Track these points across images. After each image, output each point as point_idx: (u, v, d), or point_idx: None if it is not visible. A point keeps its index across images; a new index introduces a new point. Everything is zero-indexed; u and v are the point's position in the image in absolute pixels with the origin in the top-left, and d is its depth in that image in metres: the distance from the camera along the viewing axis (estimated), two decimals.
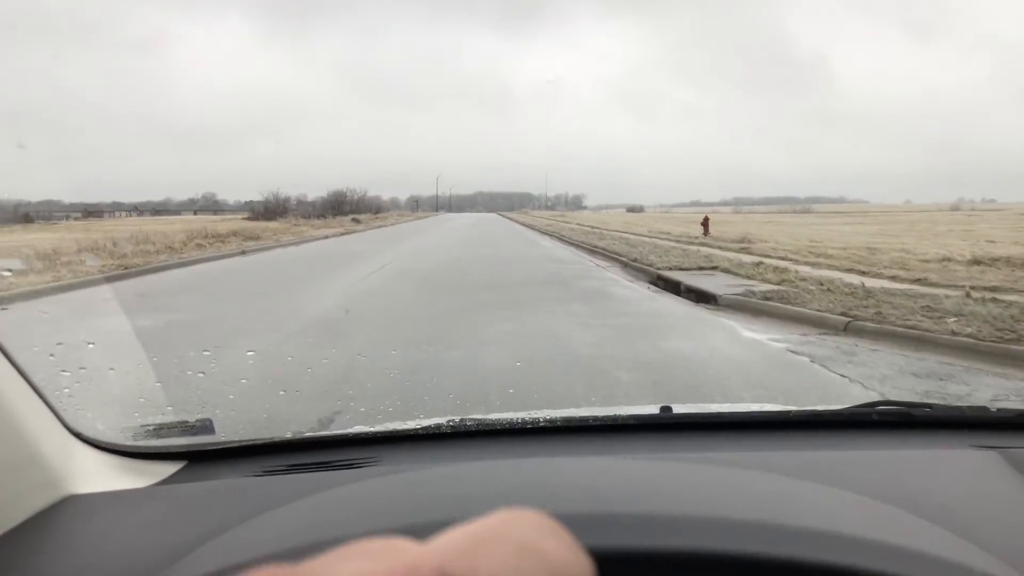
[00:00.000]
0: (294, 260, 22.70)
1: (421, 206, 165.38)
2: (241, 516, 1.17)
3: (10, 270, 14.57)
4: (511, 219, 78.69)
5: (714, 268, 15.45)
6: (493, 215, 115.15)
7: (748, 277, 14.00)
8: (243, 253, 24.84)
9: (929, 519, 1.09)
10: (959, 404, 2.22)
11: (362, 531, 0.85)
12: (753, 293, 11.41)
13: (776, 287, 12.20)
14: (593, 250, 23.15)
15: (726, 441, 1.68)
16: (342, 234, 38.37)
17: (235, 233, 30.95)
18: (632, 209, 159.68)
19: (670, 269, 15.35)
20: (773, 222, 55.04)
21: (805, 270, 15.11)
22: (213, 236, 29.38)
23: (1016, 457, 1.44)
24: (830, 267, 16.10)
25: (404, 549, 0.32)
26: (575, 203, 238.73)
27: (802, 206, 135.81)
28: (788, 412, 1.80)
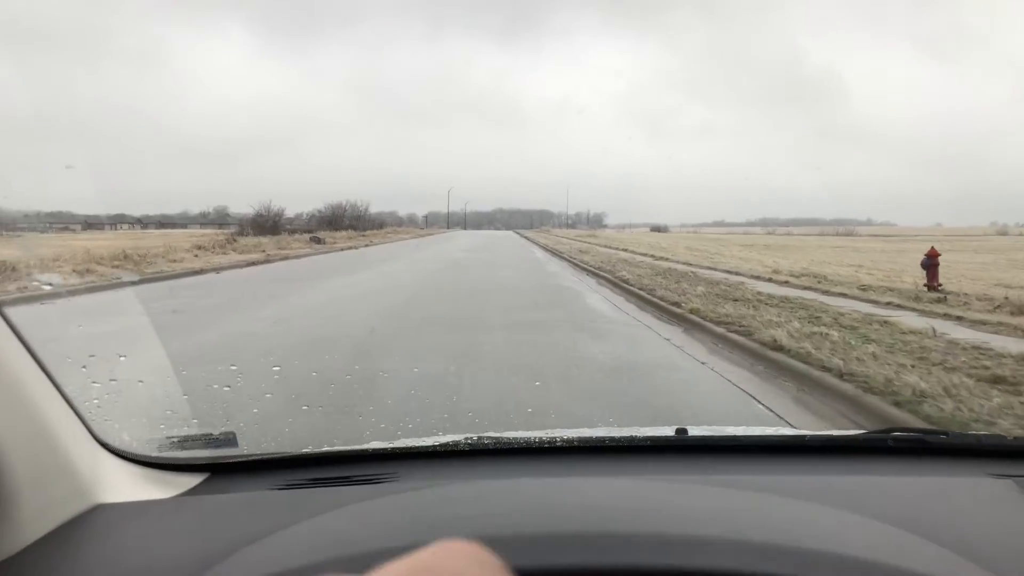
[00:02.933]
0: None
1: (439, 222, 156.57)
2: (264, 529, 1.18)
3: (51, 284, 14.12)
4: (529, 239, 68.67)
5: None
6: (509, 233, 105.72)
7: None
8: None
9: (946, 547, 1.06)
10: (976, 433, 2.09)
11: (384, 547, 0.97)
12: None
13: None
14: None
15: (741, 464, 1.65)
16: (246, 264, 26.71)
17: (126, 257, 21.49)
18: (657, 229, 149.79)
19: None
20: (855, 249, 45.32)
21: None
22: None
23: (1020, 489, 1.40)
24: None
25: None
26: (596, 221, 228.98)
27: (845, 228, 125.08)
28: (803, 436, 1.78)
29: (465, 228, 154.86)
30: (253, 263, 25.18)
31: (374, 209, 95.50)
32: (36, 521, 1.19)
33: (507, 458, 1.71)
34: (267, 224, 53.04)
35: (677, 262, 25.87)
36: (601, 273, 20.64)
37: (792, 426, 5.14)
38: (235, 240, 38.38)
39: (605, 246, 43.37)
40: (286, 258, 29.14)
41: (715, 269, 22.45)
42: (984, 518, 1.30)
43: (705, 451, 1.75)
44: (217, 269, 21.96)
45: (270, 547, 1.11)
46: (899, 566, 0.92)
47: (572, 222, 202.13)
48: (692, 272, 20.47)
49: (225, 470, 1.61)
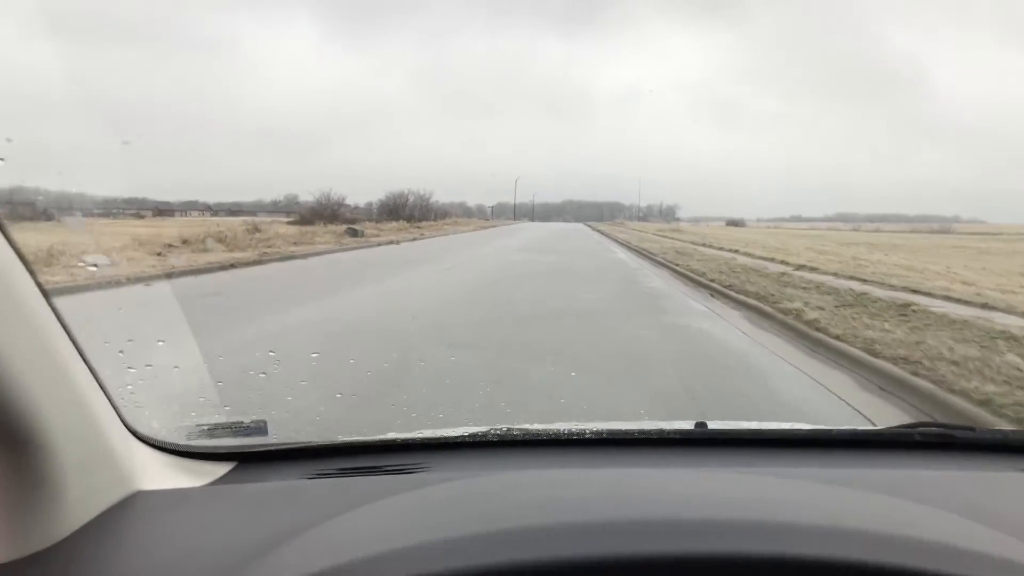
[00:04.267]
0: None
1: (507, 213, 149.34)
2: (296, 519, 1.18)
3: (96, 264, 13.32)
4: (603, 234, 60.36)
5: None
6: (579, 226, 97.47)
7: None
8: None
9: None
10: (1003, 429, 2.13)
11: (424, 541, 0.98)
12: None
13: None
14: None
15: (763, 458, 1.64)
16: (251, 263, 20.21)
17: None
18: (733, 223, 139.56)
19: None
20: (981, 250, 35.87)
21: None
22: None
23: None
24: None
25: None
26: (668, 214, 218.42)
27: (941, 226, 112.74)
28: (829, 431, 1.78)
29: (533, 220, 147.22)
30: (193, 271, 17.98)
31: (443, 199, 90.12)
32: (80, 508, 1.19)
33: (535, 449, 1.70)
34: (326, 213, 50.95)
35: (826, 273, 17.67)
36: (760, 305, 11.68)
37: None
38: (256, 230, 31.85)
39: (702, 244, 35.12)
40: (271, 260, 21.96)
41: (888, 286, 14.39)
42: (1013, 513, 1.28)
43: (725, 444, 1.73)
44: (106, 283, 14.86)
45: (309, 541, 1.08)
46: (948, 543, 0.91)
47: (644, 215, 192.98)
48: (888, 298, 12.30)
49: (254, 459, 1.59)
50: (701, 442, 1.74)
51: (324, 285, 14.64)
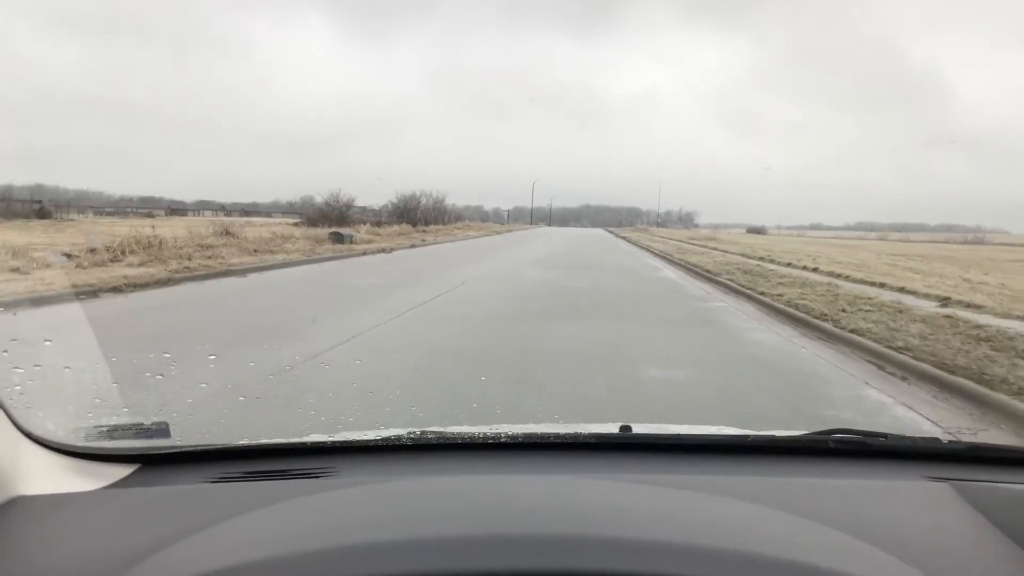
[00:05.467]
0: None
1: (525, 218, 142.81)
2: (195, 523, 1.13)
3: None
4: (629, 241, 53.90)
5: None
6: (600, 232, 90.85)
7: None
8: None
9: (882, 547, 1.08)
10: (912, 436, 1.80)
11: (320, 546, 0.94)
12: None
13: None
14: None
15: (685, 464, 1.63)
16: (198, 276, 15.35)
17: None
18: (754, 230, 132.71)
19: None
20: None
21: None
22: None
23: (966, 490, 1.41)
24: None
25: None
26: (687, 220, 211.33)
27: (974, 236, 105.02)
28: (746, 436, 1.74)
29: (550, 224, 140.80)
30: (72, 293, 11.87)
31: (460, 203, 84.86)
32: None
33: (450, 453, 1.64)
34: (333, 215, 48.49)
35: (997, 315, 11.24)
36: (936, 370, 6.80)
37: None
38: (227, 233, 25.96)
39: (755, 257, 28.68)
40: (185, 279, 15.83)
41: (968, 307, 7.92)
42: (919, 519, 1.31)
43: (649, 449, 1.70)
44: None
45: (200, 543, 1.04)
46: (833, 569, 0.91)
47: (662, 220, 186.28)
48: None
49: (156, 461, 1.52)
50: (623, 447, 1.69)
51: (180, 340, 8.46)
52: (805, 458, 1.70)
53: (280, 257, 20.06)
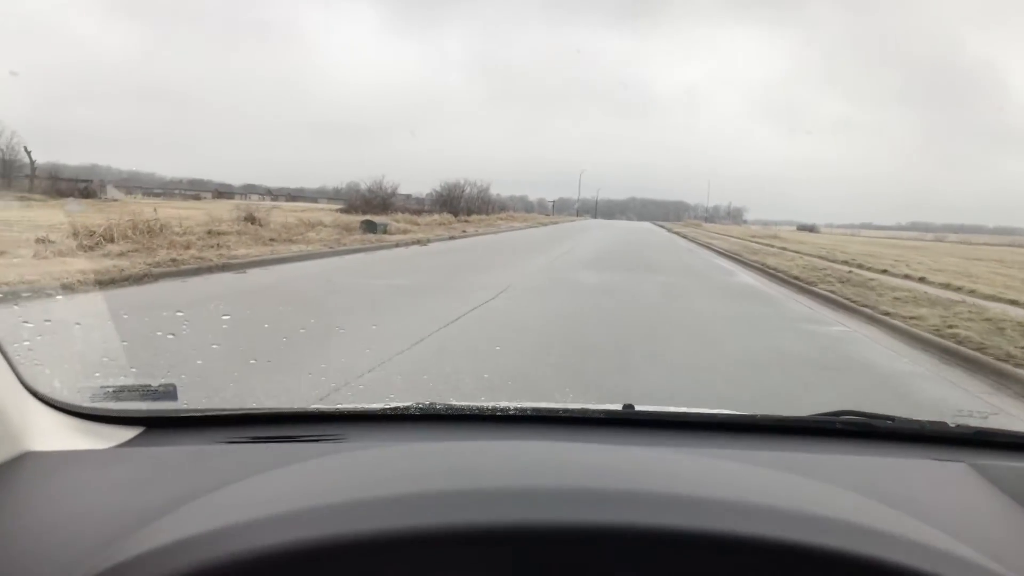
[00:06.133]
0: None
1: (568, 209, 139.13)
2: (200, 484, 1.09)
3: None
4: (686, 237, 50.34)
5: None
6: (649, 226, 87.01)
7: None
8: None
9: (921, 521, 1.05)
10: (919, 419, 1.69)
11: (327, 503, 0.91)
12: None
13: None
14: None
15: (689, 439, 1.60)
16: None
17: None
18: (805, 228, 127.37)
19: None
20: None
21: None
22: None
23: (986, 470, 1.37)
24: None
25: None
26: (736, 216, 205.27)
27: None
28: (754, 416, 1.73)
29: (595, 216, 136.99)
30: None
31: (503, 193, 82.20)
32: None
33: (458, 424, 1.61)
34: (376, 201, 47.98)
35: None
36: None
37: None
38: (252, 220, 23.46)
39: (841, 262, 25.04)
40: (166, 276, 13.04)
41: None
42: (924, 498, 1.27)
43: (654, 426, 1.67)
44: None
45: (212, 503, 1.01)
46: (855, 522, 0.88)
47: (710, 215, 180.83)
48: None
49: (162, 425, 1.48)
50: (627, 423, 1.67)
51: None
52: (812, 438, 1.64)
53: (296, 249, 17.22)
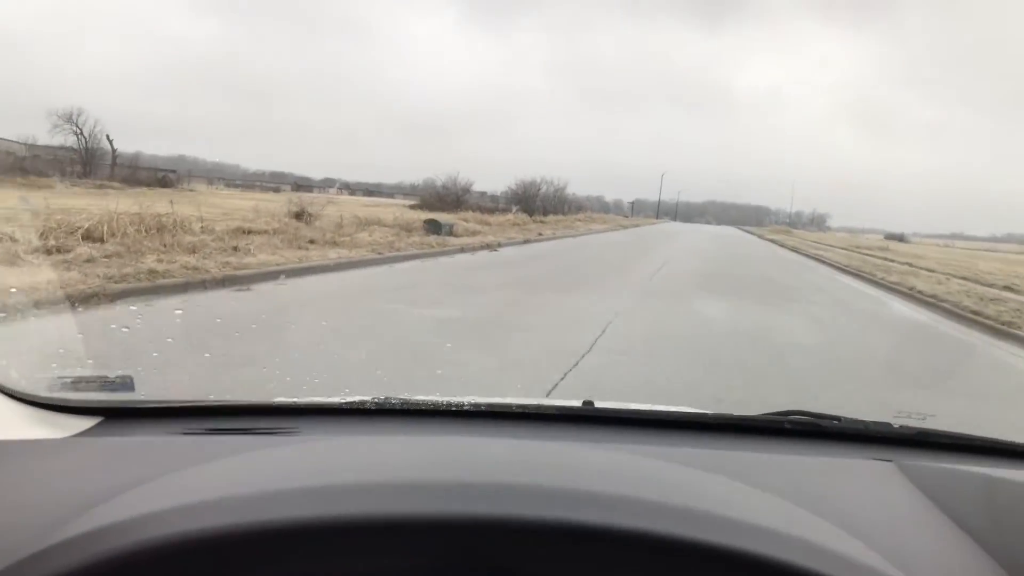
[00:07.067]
0: None
1: (645, 210, 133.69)
2: (155, 474, 1.09)
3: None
4: (776, 243, 45.41)
5: None
6: (731, 230, 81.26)
7: None
8: None
9: (826, 519, 1.07)
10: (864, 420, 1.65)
11: (270, 491, 0.91)
12: None
13: None
14: None
15: (643, 436, 1.61)
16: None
17: None
18: (893, 237, 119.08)
19: None
20: None
21: None
22: None
23: (909, 469, 1.41)
24: None
25: None
26: (819, 222, 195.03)
27: None
28: (705, 415, 1.75)
29: (675, 219, 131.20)
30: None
31: (579, 193, 78.55)
32: None
33: (413, 418, 1.60)
34: (449, 198, 47.02)
35: None
36: None
37: None
38: (300, 215, 20.45)
39: (973, 279, 20.11)
40: (137, 293, 9.52)
41: None
42: (861, 495, 1.29)
43: (609, 423, 1.66)
44: None
45: (155, 489, 1.02)
46: (777, 530, 0.91)
47: (792, 221, 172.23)
48: None
49: (120, 415, 1.47)
50: (582, 420, 1.66)
51: None
52: (760, 436, 1.65)
53: (334, 255, 13.69)
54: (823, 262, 28.05)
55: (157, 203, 14.77)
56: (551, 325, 8.35)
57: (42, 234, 10.92)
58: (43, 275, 8.65)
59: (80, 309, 6.98)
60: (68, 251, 10.07)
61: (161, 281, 8.91)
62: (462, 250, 18.37)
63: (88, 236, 11.24)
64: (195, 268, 9.90)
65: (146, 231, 12.52)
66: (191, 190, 48.71)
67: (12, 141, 48.38)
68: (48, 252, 10.03)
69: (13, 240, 10.20)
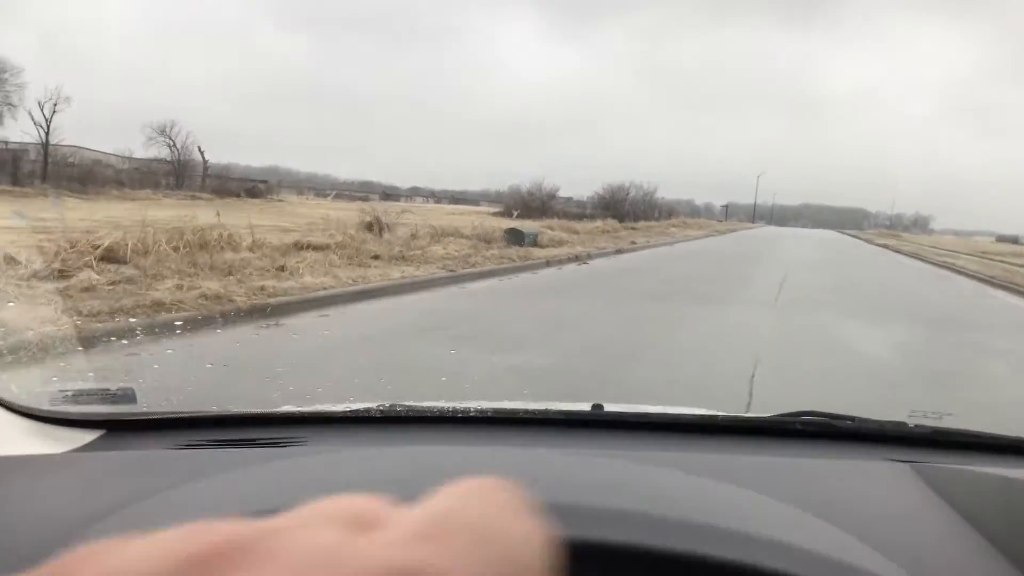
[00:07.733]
0: None
1: (738, 213, 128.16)
2: (158, 487, 1.08)
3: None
4: (892, 249, 41.21)
5: None
6: (831, 234, 75.94)
7: None
8: None
9: (840, 525, 1.04)
10: (879, 419, 1.62)
11: (277, 509, 0.90)
12: None
13: None
14: None
15: (653, 441, 1.59)
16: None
17: None
18: (1006, 239, 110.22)
19: None
20: None
21: None
22: None
23: (925, 471, 1.34)
24: None
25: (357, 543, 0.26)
26: (922, 225, 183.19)
27: None
28: (715, 416, 1.71)
29: (770, 222, 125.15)
30: None
31: (668, 196, 75.13)
32: None
33: (419, 426, 1.59)
34: (535, 204, 44.99)
35: None
36: None
37: None
38: (373, 227, 18.67)
39: None
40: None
41: None
42: (876, 498, 1.26)
43: (619, 427, 1.65)
44: None
45: (160, 504, 1.00)
46: (791, 543, 0.89)
47: (892, 223, 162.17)
48: None
49: (122, 428, 1.44)
50: (590, 424, 1.64)
51: None
52: (772, 439, 1.63)
53: (399, 273, 11.54)
54: (956, 271, 24.15)
55: (236, 213, 13.22)
56: (665, 379, 5.87)
57: (55, 254, 9.17)
58: (27, 310, 6.79)
59: (9, 360, 4.95)
60: (70, 276, 8.24)
61: (163, 316, 6.91)
62: (547, 263, 15.97)
63: (108, 256, 9.45)
64: (216, 297, 7.88)
65: (183, 248, 10.71)
66: (280, 200, 48.42)
67: (110, 154, 49.18)
68: (49, 277, 8.23)
69: (14, 262, 8.49)
